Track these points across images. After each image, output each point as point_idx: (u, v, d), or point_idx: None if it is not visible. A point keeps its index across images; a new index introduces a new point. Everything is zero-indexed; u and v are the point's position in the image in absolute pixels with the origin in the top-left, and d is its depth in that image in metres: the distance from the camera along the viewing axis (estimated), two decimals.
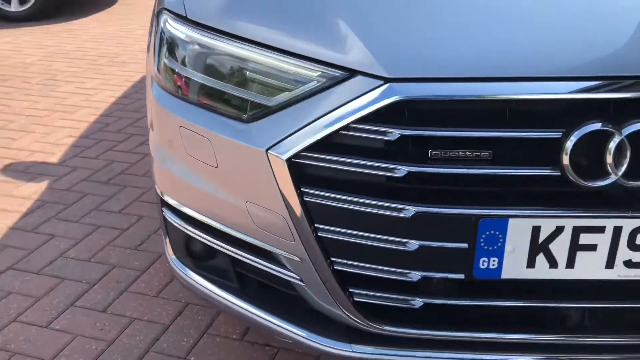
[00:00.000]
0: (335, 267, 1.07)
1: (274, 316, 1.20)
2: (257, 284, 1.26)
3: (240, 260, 1.21)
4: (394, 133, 0.96)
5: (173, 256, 1.38)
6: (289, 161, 1.01)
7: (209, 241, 1.24)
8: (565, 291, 1.05)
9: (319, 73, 1.03)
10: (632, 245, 0.98)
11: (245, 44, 1.10)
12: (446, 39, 0.99)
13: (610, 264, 0.99)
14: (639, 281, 1.01)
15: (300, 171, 1.02)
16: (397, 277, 1.05)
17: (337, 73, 1.02)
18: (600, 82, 0.93)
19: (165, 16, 1.27)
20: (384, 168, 0.98)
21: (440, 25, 1.01)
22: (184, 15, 1.22)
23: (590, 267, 1.00)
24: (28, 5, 5.66)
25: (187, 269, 1.35)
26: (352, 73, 1.01)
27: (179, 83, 1.21)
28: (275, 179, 1.04)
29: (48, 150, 2.75)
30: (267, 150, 1.03)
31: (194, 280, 1.32)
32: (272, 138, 1.04)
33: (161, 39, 1.26)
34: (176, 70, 1.21)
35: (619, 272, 1.00)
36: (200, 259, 1.34)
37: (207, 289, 1.30)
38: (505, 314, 1.10)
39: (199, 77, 1.16)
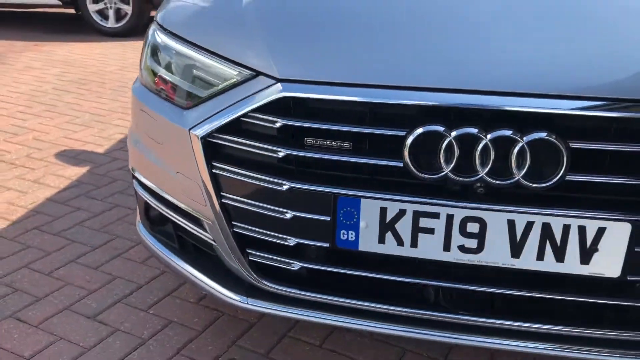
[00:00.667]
0: (234, 230, 1.32)
1: (198, 272, 1.46)
2: (192, 247, 1.52)
3: (179, 225, 1.49)
4: (279, 122, 1.21)
5: (139, 222, 1.68)
6: (203, 139, 1.28)
7: (158, 207, 1.53)
8: (421, 269, 1.24)
9: (237, 72, 1.30)
10: (463, 232, 1.16)
11: (192, 47, 1.40)
12: (328, 52, 1.24)
13: (447, 247, 1.18)
14: (476, 265, 1.18)
15: (210, 148, 1.29)
16: (279, 242, 1.28)
17: (247, 73, 1.28)
18: (438, 93, 1.13)
19: (153, 26, 1.59)
20: (269, 150, 1.23)
21: (325, 40, 1.26)
22: (162, 25, 1.53)
23: (431, 248, 1.19)
24: (123, 23, 6.34)
25: (147, 233, 1.64)
26: (257, 73, 1.27)
27: (148, 77, 1.52)
28: (194, 153, 1.31)
29: (99, 143, 3.17)
30: (190, 130, 1.31)
31: (149, 241, 1.61)
32: (196, 121, 1.31)
33: (146, 43, 1.58)
34: (148, 65, 1.52)
35: (455, 256, 1.18)
36: (156, 224, 1.63)
37: (156, 249, 1.58)
38: (375, 286, 1.30)
39: (159, 71, 1.46)
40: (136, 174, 1.61)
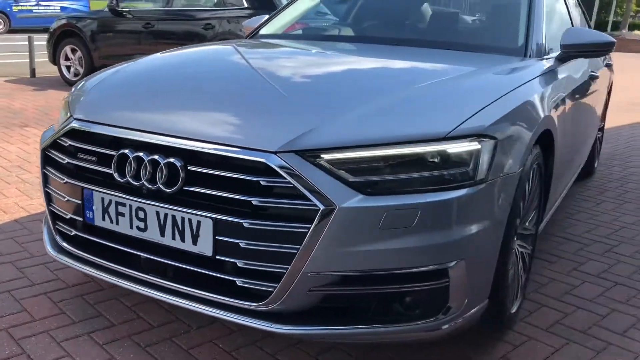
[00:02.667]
0: (49, 208, 2.16)
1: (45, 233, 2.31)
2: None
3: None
4: (68, 143, 2.06)
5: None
6: (41, 151, 2.17)
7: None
8: (127, 241, 1.96)
9: (68, 115, 2.19)
10: (137, 217, 1.87)
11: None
12: (99, 107, 2.08)
13: (131, 226, 1.89)
14: (147, 240, 1.88)
15: (44, 157, 2.17)
16: (63, 215, 2.09)
17: (69, 115, 2.16)
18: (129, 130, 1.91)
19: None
20: (60, 157, 2.08)
21: (99, 101, 2.11)
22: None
23: (125, 226, 1.91)
24: (78, 77, 7.74)
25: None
26: (70, 115, 2.14)
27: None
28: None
29: None
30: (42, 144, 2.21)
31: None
32: (42, 139, 2.21)
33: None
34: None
35: (135, 232, 1.90)
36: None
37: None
38: (114, 251, 2.02)
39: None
40: None
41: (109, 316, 2.28)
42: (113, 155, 1.91)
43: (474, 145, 1.79)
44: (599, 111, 4.25)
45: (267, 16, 3.62)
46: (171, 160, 1.80)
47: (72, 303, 2.37)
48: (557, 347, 2.24)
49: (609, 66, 4.41)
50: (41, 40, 9.45)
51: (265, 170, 1.70)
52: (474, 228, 1.78)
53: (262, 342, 2.16)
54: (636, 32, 36.25)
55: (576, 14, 4.07)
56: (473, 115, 1.87)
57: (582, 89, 3.16)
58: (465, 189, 1.75)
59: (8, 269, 2.61)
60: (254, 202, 1.70)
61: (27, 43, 9.08)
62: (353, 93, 2.05)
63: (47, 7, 18.53)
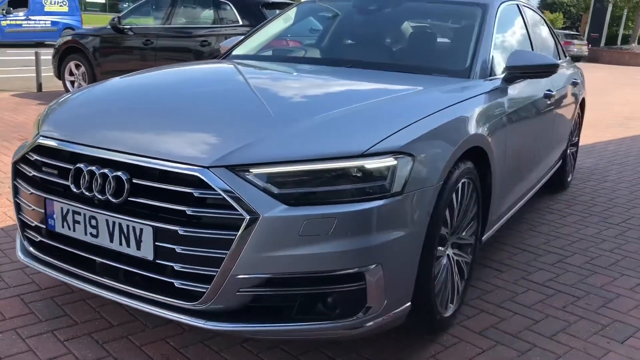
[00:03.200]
0: (18, 216, 2.38)
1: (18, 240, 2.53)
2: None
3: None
4: (34, 157, 2.28)
5: None
6: (12, 165, 2.40)
7: None
8: (83, 246, 2.17)
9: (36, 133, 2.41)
10: (90, 224, 2.09)
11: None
12: (65, 127, 2.30)
13: (86, 233, 2.11)
14: (100, 245, 2.09)
15: (14, 170, 2.39)
16: (29, 223, 2.31)
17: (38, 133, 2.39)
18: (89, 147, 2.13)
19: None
20: (27, 170, 2.30)
21: (65, 122, 2.34)
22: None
23: (81, 233, 2.12)
24: None
25: None
26: (38, 132, 2.37)
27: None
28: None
29: None
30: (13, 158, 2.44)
31: None
32: (14, 156, 2.44)
33: None
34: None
35: (89, 239, 2.11)
36: None
37: None
38: (75, 255, 2.23)
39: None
40: None
41: (73, 316, 2.49)
42: (70, 169, 2.12)
43: (389, 162, 1.98)
44: (565, 128, 4.42)
45: (242, 37, 3.85)
46: (118, 173, 2.01)
47: (42, 304, 2.58)
48: (485, 348, 2.41)
49: (575, 84, 4.58)
50: (47, 55, 9.78)
51: (198, 183, 1.91)
52: (389, 236, 1.97)
53: (209, 341, 2.35)
54: None
55: (542, 36, 4.26)
56: (393, 134, 2.07)
57: (533, 108, 3.34)
58: (381, 201, 1.94)
59: None
60: (188, 212, 1.91)
61: (34, 58, 9.42)
62: (288, 112, 2.26)
63: (37, 22, 18.40)
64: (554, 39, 4.64)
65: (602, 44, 38.79)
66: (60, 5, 18.93)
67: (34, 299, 2.62)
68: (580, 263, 3.38)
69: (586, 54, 31.85)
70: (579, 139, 5.34)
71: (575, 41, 31.66)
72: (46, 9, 18.56)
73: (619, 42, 40.24)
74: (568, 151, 4.87)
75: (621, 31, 41.53)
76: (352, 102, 2.37)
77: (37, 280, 2.79)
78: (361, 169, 1.95)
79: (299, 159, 1.94)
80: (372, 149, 1.98)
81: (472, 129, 2.47)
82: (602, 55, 32.64)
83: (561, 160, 4.64)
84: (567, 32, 34.89)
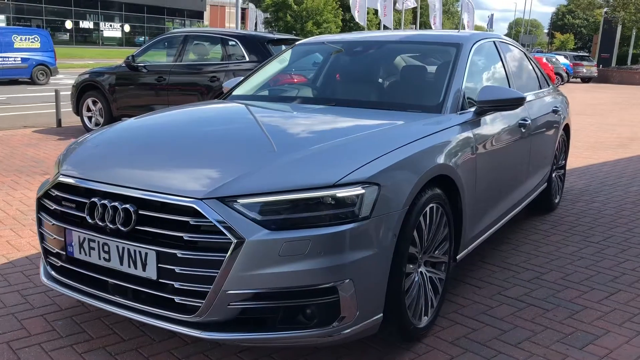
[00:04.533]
0: (42, 245, 2.74)
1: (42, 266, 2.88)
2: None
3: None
4: (55, 193, 2.64)
5: None
6: (37, 200, 2.76)
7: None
8: (98, 269, 2.51)
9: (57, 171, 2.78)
10: (104, 250, 2.43)
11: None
12: (83, 167, 2.66)
13: (100, 257, 2.45)
14: (112, 268, 2.43)
15: (38, 204, 2.75)
16: (51, 250, 2.66)
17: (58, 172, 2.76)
18: (104, 184, 2.48)
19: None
20: (50, 204, 2.66)
21: (83, 163, 2.70)
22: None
23: (95, 257, 2.46)
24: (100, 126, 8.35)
25: None
26: (59, 171, 2.73)
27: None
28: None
29: None
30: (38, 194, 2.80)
31: None
32: (38, 192, 2.80)
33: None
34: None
35: (103, 262, 2.45)
36: None
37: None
38: (94, 279, 2.57)
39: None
40: None
41: (90, 332, 2.82)
42: (86, 202, 2.48)
43: (358, 191, 2.31)
44: (547, 152, 4.72)
45: (242, 78, 4.23)
46: (126, 206, 2.36)
47: (63, 322, 2.92)
48: (454, 355, 2.69)
49: (556, 111, 4.88)
50: (66, 91, 10.29)
51: (194, 212, 2.25)
52: (359, 254, 2.29)
53: (209, 351, 2.67)
54: None
55: (522, 69, 4.59)
56: (362, 166, 2.40)
57: (505, 136, 3.65)
58: (351, 224, 2.27)
59: (14, 296, 3.19)
60: (185, 237, 2.25)
61: (53, 94, 9.94)
62: (273, 148, 2.60)
63: (6, 59, 18.11)
64: (535, 71, 4.96)
65: (613, 63, 38.99)
66: (31, 42, 18.68)
67: (56, 318, 2.96)
68: (554, 279, 3.65)
69: (595, 75, 32.09)
70: (565, 162, 5.62)
71: (585, 62, 31.95)
72: (16, 45, 18.27)
73: (629, 61, 40.38)
74: (554, 174, 5.16)
75: (631, 50, 41.69)
76: (331, 138, 2.71)
77: (58, 302, 3.14)
78: (334, 197, 2.27)
79: (280, 190, 2.28)
80: (343, 180, 2.31)
81: (439, 159, 2.79)
82: (612, 75, 32.85)
83: (546, 184, 4.92)
84: (575, 54, 35.17)
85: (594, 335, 2.91)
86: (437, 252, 2.89)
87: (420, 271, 2.78)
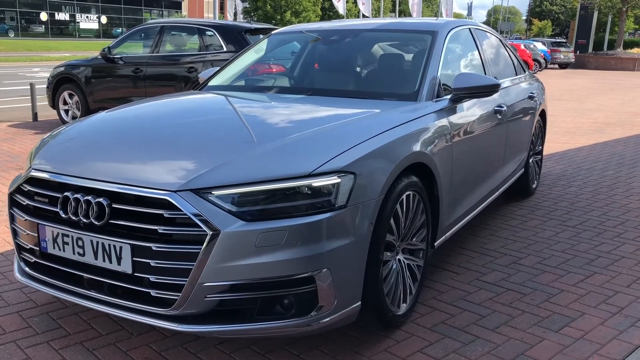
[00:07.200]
0: (15, 241, 2.70)
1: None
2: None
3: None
4: (27, 188, 2.60)
5: None
6: (9, 195, 2.72)
7: None
8: (72, 264, 2.48)
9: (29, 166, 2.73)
10: (77, 245, 2.40)
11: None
12: (55, 160, 2.62)
13: (74, 252, 2.42)
14: (87, 263, 2.40)
15: (10, 199, 2.71)
16: (24, 245, 2.62)
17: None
18: (73, 178, 2.45)
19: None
20: (22, 199, 2.61)
21: (58, 156, 2.66)
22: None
23: (70, 252, 2.43)
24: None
25: None
26: (31, 165, 2.69)
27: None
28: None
29: None
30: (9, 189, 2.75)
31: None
32: (10, 186, 2.76)
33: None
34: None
35: (77, 257, 2.42)
36: None
37: None
38: (67, 273, 2.54)
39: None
40: None
41: (66, 327, 2.79)
42: (59, 197, 2.44)
43: (333, 180, 2.30)
44: (523, 138, 4.75)
45: (217, 68, 4.19)
46: (100, 199, 2.33)
47: (39, 319, 2.88)
48: (433, 341, 2.71)
49: (532, 97, 4.91)
50: (41, 85, 10.13)
51: (168, 205, 2.22)
52: (336, 243, 2.29)
53: (187, 344, 2.66)
54: (634, 49, 36.72)
55: (498, 56, 4.61)
56: (337, 155, 2.39)
57: (481, 123, 3.67)
58: (327, 214, 2.26)
59: None
60: (160, 230, 2.22)
61: (29, 88, 9.78)
62: (249, 139, 2.58)
63: None
64: (511, 58, 4.99)
65: (590, 49, 39.36)
66: None
67: (32, 314, 2.93)
68: (532, 263, 3.69)
69: (572, 61, 32.40)
70: (542, 148, 5.67)
71: (562, 49, 32.20)
72: None
73: (605, 47, 40.78)
74: (531, 160, 5.20)
75: (607, 36, 42.09)
76: (306, 127, 2.70)
77: (34, 298, 3.10)
78: (309, 187, 2.27)
79: (255, 181, 2.26)
80: (319, 169, 2.30)
81: (415, 146, 2.79)
82: (589, 61, 33.18)
83: (523, 169, 4.96)
84: (553, 40, 35.45)
85: (570, 317, 2.95)
86: (414, 239, 2.90)
87: (398, 259, 2.79)
